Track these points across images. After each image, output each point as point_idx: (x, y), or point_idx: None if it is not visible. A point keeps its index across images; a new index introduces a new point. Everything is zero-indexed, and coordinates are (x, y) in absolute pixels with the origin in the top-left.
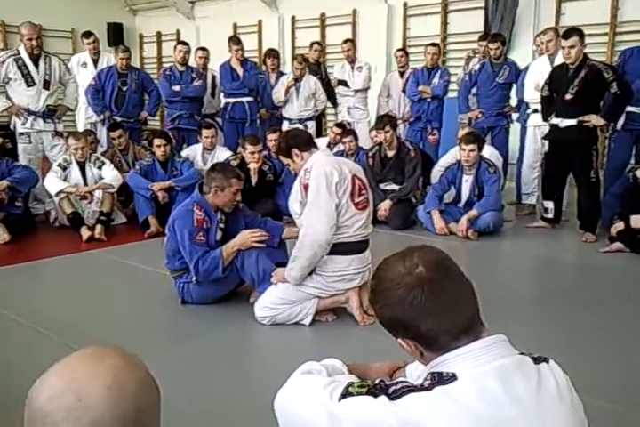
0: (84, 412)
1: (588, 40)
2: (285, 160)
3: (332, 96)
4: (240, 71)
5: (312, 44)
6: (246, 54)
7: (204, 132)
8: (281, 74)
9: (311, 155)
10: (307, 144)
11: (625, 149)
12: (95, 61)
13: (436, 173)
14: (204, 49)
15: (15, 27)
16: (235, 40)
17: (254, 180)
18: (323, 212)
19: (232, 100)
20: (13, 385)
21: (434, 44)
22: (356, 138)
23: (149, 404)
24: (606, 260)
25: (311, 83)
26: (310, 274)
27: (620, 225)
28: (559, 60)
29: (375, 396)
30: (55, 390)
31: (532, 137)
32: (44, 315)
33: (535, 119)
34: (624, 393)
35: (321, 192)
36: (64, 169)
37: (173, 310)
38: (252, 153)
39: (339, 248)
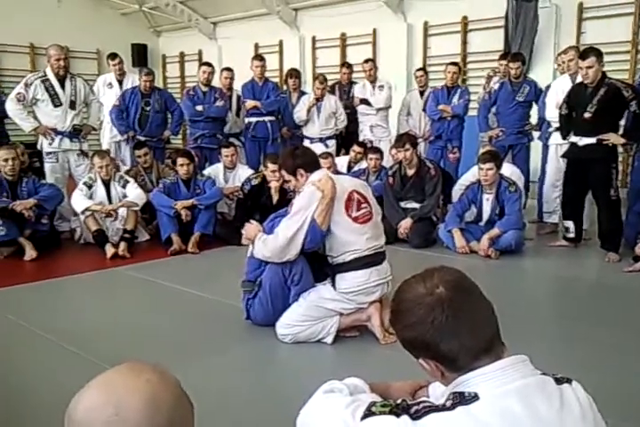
0: (120, 425)
1: (609, 58)
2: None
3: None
4: (261, 89)
5: (342, 65)
6: (267, 74)
7: (224, 151)
8: (302, 93)
9: (312, 175)
10: (313, 165)
11: None
12: (120, 82)
13: (457, 191)
14: (229, 69)
15: (43, 49)
16: (258, 57)
17: (275, 198)
18: (290, 231)
19: (254, 119)
20: (41, 400)
21: (454, 64)
22: (381, 156)
23: (183, 418)
24: (630, 279)
25: (332, 102)
26: (332, 290)
27: None
28: (581, 78)
29: (397, 416)
30: (94, 403)
31: (553, 155)
32: (70, 330)
33: (557, 138)
34: None
35: (300, 211)
36: (89, 187)
37: (195, 326)
38: (274, 171)
39: (356, 264)
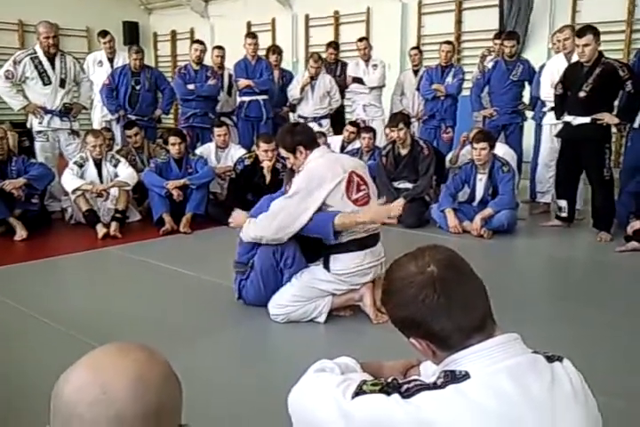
0: (108, 404)
1: (604, 37)
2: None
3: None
4: (254, 68)
5: (328, 45)
6: (259, 52)
7: (216, 130)
8: (283, 71)
9: (311, 152)
10: (313, 143)
11: None
12: (111, 60)
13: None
14: (220, 48)
15: (32, 26)
16: (250, 35)
17: (268, 178)
18: (288, 211)
19: (247, 98)
20: (32, 380)
21: (448, 42)
22: (374, 135)
23: (171, 398)
24: (622, 259)
25: (326, 81)
26: (325, 271)
27: (636, 224)
28: (576, 58)
29: (388, 394)
30: (81, 382)
31: (547, 135)
32: (60, 311)
33: (551, 117)
34: (639, 392)
35: (300, 192)
36: (80, 166)
37: (187, 307)
38: (266, 151)
39: (352, 245)
